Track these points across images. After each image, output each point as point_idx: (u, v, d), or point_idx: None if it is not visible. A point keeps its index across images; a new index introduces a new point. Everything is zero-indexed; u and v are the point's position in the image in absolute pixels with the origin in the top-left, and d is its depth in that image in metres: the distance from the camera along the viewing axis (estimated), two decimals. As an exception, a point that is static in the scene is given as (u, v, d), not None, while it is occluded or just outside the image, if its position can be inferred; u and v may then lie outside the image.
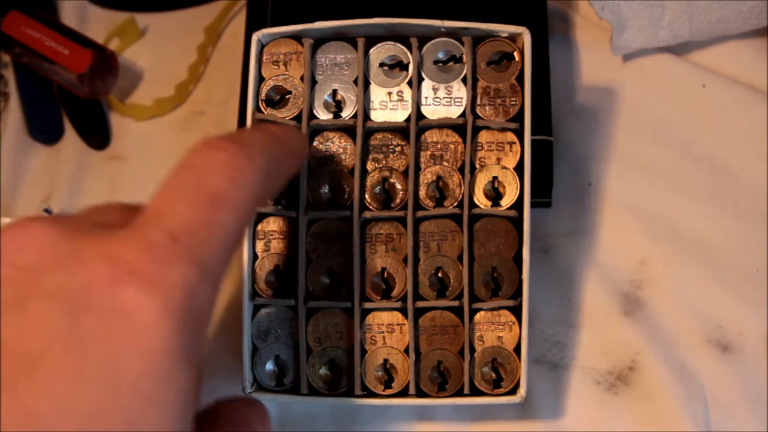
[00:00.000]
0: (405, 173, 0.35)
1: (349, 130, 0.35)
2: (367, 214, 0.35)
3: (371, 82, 0.35)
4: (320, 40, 0.35)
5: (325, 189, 0.35)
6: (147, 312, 0.20)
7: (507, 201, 0.35)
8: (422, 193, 0.35)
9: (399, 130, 0.35)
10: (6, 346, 0.19)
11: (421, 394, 0.35)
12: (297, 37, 0.35)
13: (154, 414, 0.20)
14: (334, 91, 0.35)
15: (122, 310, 0.20)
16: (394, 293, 0.35)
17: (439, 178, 0.35)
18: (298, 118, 0.35)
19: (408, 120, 0.35)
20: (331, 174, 0.35)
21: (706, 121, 0.43)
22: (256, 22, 0.43)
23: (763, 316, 0.39)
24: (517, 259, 0.35)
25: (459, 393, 0.35)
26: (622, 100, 0.44)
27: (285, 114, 0.35)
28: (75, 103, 0.47)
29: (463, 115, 0.35)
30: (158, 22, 0.49)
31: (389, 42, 0.35)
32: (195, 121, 0.47)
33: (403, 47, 0.35)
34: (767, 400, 0.38)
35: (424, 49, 0.35)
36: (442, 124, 0.35)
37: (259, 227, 0.35)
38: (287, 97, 0.35)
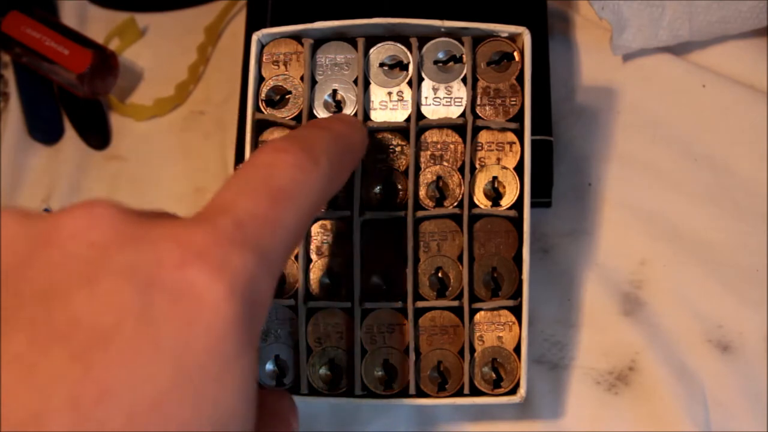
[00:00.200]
0: (405, 173, 0.35)
1: (349, 130, 0.35)
2: (367, 215, 0.35)
3: (371, 82, 0.35)
4: (320, 40, 0.35)
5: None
6: (214, 294, 0.20)
7: (507, 201, 0.35)
8: (422, 193, 0.35)
9: (399, 130, 0.35)
10: (78, 321, 0.19)
11: (421, 394, 0.35)
12: (297, 37, 0.35)
13: (221, 393, 0.20)
14: (334, 91, 0.35)
15: (190, 290, 0.20)
16: (395, 293, 0.35)
17: (439, 178, 0.35)
18: (298, 119, 0.35)
19: (408, 120, 0.35)
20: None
21: (706, 121, 0.43)
22: (256, 22, 0.43)
23: (763, 316, 0.39)
24: (517, 259, 0.35)
25: (459, 393, 0.35)
26: (622, 100, 0.44)
27: (285, 114, 0.35)
28: (75, 103, 0.47)
29: (463, 115, 0.35)
30: (158, 22, 0.49)
31: (389, 42, 0.35)
32: (195, 121, 0.47)
33: (403, 47, 0.35)
34: (767, 400, 0.38)
35: (424, 49, 0.35)
36: (442, 124, 0.35)
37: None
38: (287, 97, 0.35)
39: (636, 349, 0.39)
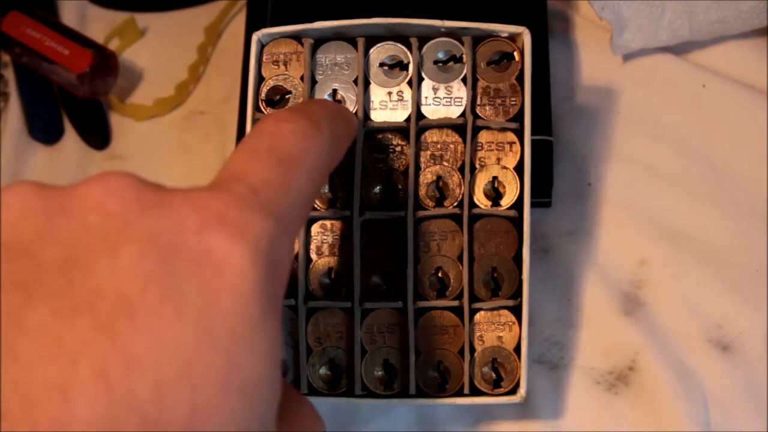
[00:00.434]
0: (405, 173, 0.35)
1: (349, 130, 0.35)
2: (367, 215, 0.35)
3: (371, 82, 0.35)
4: (320, 40, 0.35)
5: (325, 189, 0.35)
6: (237, 258, 0.20)
7: (507, 201, 0.35)
8: (422, 193, 0.35)
9: (399, 130, 0.35)
10: (101, 290, 0.19)
11: (421, 394, 0.35)
12: (297, 37, 0.35)
13: (250, 358, 0.20)
14: (334, 91, 0.35)
15: (213, 255, 0.20)
16: (395, 293, 0.35)
17: (439, 178, 0.35)
18: (298, 118, 0.35)
19: (408, 120, 0.35)
20: (331, 174, 0.35)
21: (706, 121, 0.43)
22: (256, 22, 0.43)
23: (763, 316, 0.39)
24: (517, 259, 0.35)
25: (459, 393, 0.35)
26: (622, 100, 0.44)
27: (285, 114, 0.35)
28: (75, 103, 0.47)
29: (463, 115, 0.35)
30: (158, 22, 0.49)
31: (389, 42, 0.35)
32: (195, 121, 0.47)
33: (403, 47, 0.35)
34: (767, 400, 0.38)
35: (424, 49, 0.35)
36: (442, 124, 0.35)
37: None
38: (287, 97, 0.35)
39: (636, 349, 0.39)
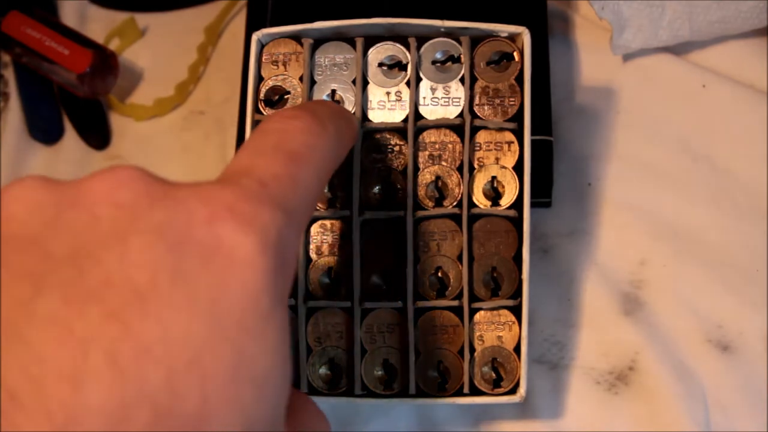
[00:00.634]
0: (404, 173, 0.35)
1: (348, 130, 0.35)
2: (367, 215, 0.35)
3: (370, 82, 0.35)
4: (320, 40, 0.35)
5: (324, 189, 0.35)
6: (246, 249, 0.20)
7: (506, 201, 0.35)
8: (421, 193, 0.35)
9: (397, 130, 0.35)
10: (111, 280, 0.19)
11: (421, 393, 0.35)
12: (297, 37, 0.35)
13: (260, 349, 0.20)
14: (333, 92, 0.35)
15: (222, 246, 0.20)
16: (394, 293, 0.35)
17: (438, 178, 0.35)
18: (297, 118, 0.35)
19: (405, 120, 0.35)
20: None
21: (706, 121, 0.43)
22: (256, 22, 0.43)
23: (763, 316, 0.39)
24: (517, 259, 0.35)
25: (459, 393, 0.35)
26: (622, 100, 0.44)
27: (284, 114, 0.35)
28: (75, 103, 0.47)
29: (461, 115, 0.35)
30: (158, 22, 0.49)
31: (388, 42, 0.35)
32: (195, 121, 0.47)
33: (402, 47, 0.35)
34: (767, 400, 0.37)
35: (423, 49, 0.35)
36: (440, 124, 0.35)
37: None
38: (286, 97, 0.35)
39: (636, 349, 0.39)
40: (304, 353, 0.35)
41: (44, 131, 0.47)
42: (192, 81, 0.47)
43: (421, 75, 0.35)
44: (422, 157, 0.35)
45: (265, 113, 0.35)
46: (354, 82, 0.35)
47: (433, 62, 0.35)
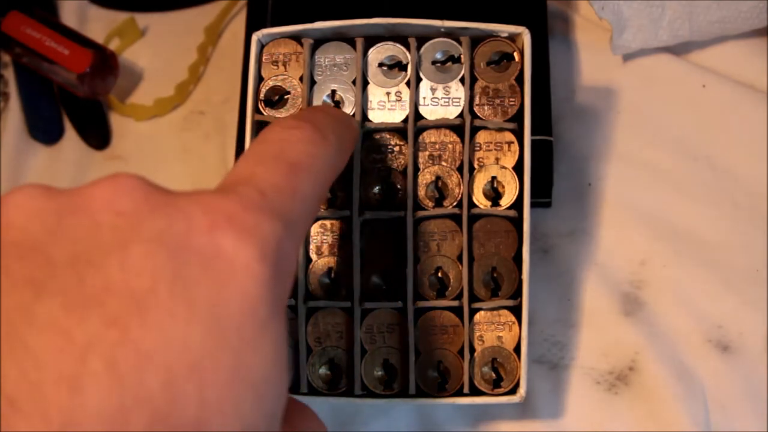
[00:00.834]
0: (404, 173, 0.35)
1: (348, 130, 0.35)
2: (367, 215, 0.35)
3: (370, 82, 0.35)
4: (320, 41, 0.35)
5: (325, 197, 0.35)
6: (245, 257, 0.20)
7: (506, 201, 0.35)
8: (421, 193, 0.35)
9: (397, 131, 0.35)
10: (111, 286, 0.19)
11: (421, 394, 0.35)
12: (297, 38, 0.35)
13: (257, 356, 0.20)
14: (333, 92, 0.35)
15: (222, 254, 0.20)
16: (395, 293, 0.35)
17: (438, 178, 0.35)
18: (297, 118, 0.35)
19: (405, 120, 0.35)
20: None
21: (706, 121, 0.43)
22: (256, 22, 0.43)
23: (763, 316, 0.39)
24: (517, 259, 0.35)
25: (459, 393, 0.35)
26: (622, 100, 0.44)
27: (284, 114, 0.35)
28: (75, 103, 0.47)
29: (461, 115, 0.35)
30: (158, 22, 0.49)
31: (388, 42, 0.35)
32: (195, 121, 0.47)
33: (402, 47, 0.35)
34: (767, 400, 0.37)
35: (423, 49, 0.35)
36: (440, 125, 0.35)
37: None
38: (286, 97, 0.35)
39: (636, 349, 0.39)
40: (304, 353, 0.35)
41: (44, 131, 0.47)
42: (192, 81, 0.47)
43: (421, 75, 0.35)
44: (422, 157, 0.35)
45: (265, 113, 0.35)
46: (354, 82, 0.35)
47: (433, 62, 0.35)
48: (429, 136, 0.35)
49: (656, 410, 0.38)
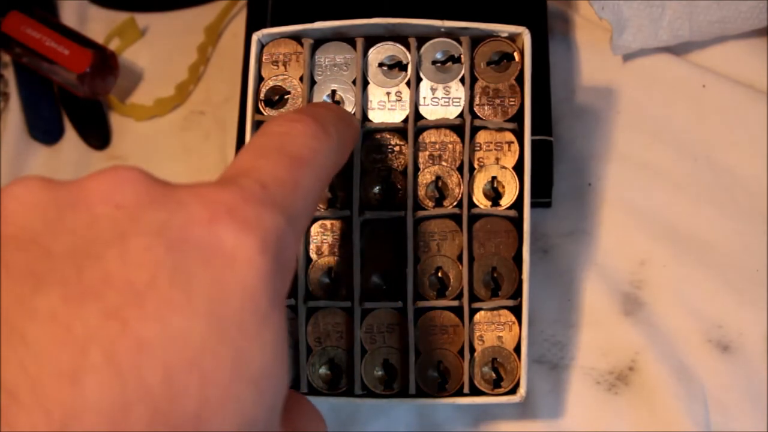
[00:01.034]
0: (404, 173, 0.35)
1: (348, 130, 0.35)
2: (367, 215, 0.35)
3: (370, 82, 0.35)
4: (320, 41, 0.35)
5: (325, 189, 0.35)
6: (246, 250, 0.20)
7: (506, 201, 0.35)
8: (421, 193, 0.35)
9: (397, 131, 0.35)
10: (110, 278, 0.19)
11: (421, 394, 0.35)
12: (297, 38, 0.35)
13: (257, 350, 0.20)
14: (333, 92, 0.35)
15: (222, 246, 0.20)
16: (395, 293, 0.35)
17: (438, 178, 0.35)
18: (297, 118, 0.35)
19: (405, 120, 0.35)
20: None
21: (706, 121, 0.43)
22: (256, 22, 0.43)
23: (763, 316, 0.39)
24: (517, 259, 0.35)
25: (459, 393, 0.35)
26: (622, 100, 0.44)
27: (285, 114, 0.35)
28: (75, 103, 0.47)
29: (461, 115, 0.35)
30: (158, 22, 0.49)
31: (388, 42, 0.35)
32: (195, 121, 0.47)
33: (402, 47, 0.35)
34: (767, 400, 0.37)
35: (423, 49, 0.35)
36: (440, 125, 0.35)
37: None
38: (286, 97, 0.35)
39: (636, 349, 0.39)
40: (304, 353, 0.35)
41: (44, 131, 0.47)
42: (192, 81, 0.47)
43: (422, 75, 0.35)
44: (422, 157, 0.35)
45: (265, 113, 0.35)
46: (354, 82, 0.35)
47: (434, 62, 0.35)
48: (429, 136, 0.35)
49: (656, 410, 0.38)
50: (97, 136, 0.46)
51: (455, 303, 0.35)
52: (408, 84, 0.35)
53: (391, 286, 0.35)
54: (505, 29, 0.34)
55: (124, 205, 0.20)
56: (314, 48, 0.35)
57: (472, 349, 0.35)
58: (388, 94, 0.35)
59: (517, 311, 0.34)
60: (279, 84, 0.35)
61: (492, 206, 0.35)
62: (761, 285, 0.39)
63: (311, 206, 0.25)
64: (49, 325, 0.18)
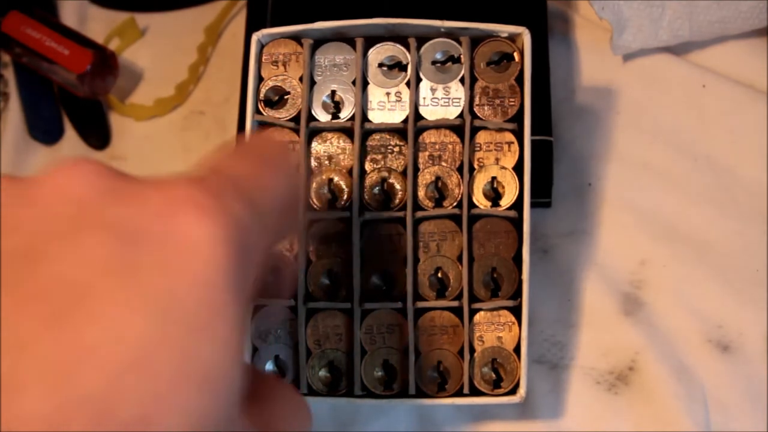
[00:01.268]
0: (404, 173, 0.35)
1: (347, 131, 0.35)
2: (367, 215, 0.35)
3: (370, 82, 0.35)
4: (320, 41, 0.35)
5: (324, 190, 0.35)
6: (201, 240, 0.20)
7: (506, 201, 0.35)
8: (421, 193, 0.35)
9: (397, 131, 0.35)
10: (58, 278, 0.18)
11: (420, 394, 0.35)
12: (297, 38, 0.35)
13: (207, 347, 0.19)
14: (333, 92, 0.35)
15: (176, 237, 0.19)
16: (394, 294, 0.35)
17: (438, 178, 0.35)
18: (296, 119, 0.35)
19: (405, 121, 0.35)
20: (330, 176, 0.35)
21: (706, 121, 0.43)
22: (256, 22, 0.43)
23: (763, 316, 0.39)
24: (517, 260, 0.35)
25: (459, 393, 0.35)
26: (622, 100, 0.44)
27: (283, 114, 0.35)
28: (75, 103, 0.47)
29: (461, 115, 0.35)
30: (158, 22, 0.49)
31: (388, 42, 0.35)
32: (195, 121, 0.47)
33: (402, 48, 0.35)
34: (767, 400, 0.37)
35: (422, 49, 0.35)
36: (440, 125, 0.35)
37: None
38: (286, 97, 0.35)
39: (636, 349, 0.39)
40: (303, 356, 0.35)
41: (44, 131, 0.47)
42: (192, 81, 0.47)
43: (421, 75, 0.35)
44: (422, 157, 0.35)
45: (265, 113, 0.35)
46: (354, 82, 0.35)
47: (433, 62, 0.35)
48: (429, 137, 0.35)
49: (656, 410, 0.38)
50: (97, 136, 0.46)
51: (455, 303, 0.35)
52: (408, 84, 0.35)
53: (391, 286, 0.35)
54: (505, 29, 0.34)
55: (79, 200, 0.20)
56: (314, 48, 0.35)
57: (472, 350, 0.35)
58: (388, 94, 0.35)
59: (516, 311, 0.34)
60: (279, 84, 0.35)
61: (492, 207, 0.35)
62: (761, 285, 0.39)
63: (281, 209, 0.24)
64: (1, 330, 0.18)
